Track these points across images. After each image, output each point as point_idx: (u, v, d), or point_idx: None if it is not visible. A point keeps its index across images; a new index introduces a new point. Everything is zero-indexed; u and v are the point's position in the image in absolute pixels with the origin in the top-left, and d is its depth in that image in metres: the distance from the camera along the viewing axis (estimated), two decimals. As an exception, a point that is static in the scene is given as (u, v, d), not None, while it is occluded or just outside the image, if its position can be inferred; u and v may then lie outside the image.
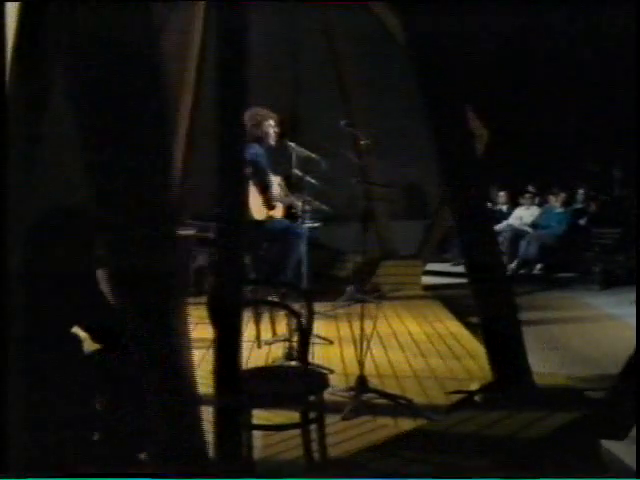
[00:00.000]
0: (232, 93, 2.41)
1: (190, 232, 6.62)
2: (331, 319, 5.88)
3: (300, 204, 5.18)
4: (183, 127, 7.57)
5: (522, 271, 10.08)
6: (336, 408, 3.55)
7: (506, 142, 10.60)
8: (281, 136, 5.30)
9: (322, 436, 2.81)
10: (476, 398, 3.40)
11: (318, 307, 5.91)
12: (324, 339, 5.12)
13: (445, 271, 9.89)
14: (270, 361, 4.56)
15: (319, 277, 6.69)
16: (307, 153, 5.12)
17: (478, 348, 4.91)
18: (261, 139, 5.28)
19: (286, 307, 2.51)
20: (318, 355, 4.72)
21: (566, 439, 2.95)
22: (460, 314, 6.35)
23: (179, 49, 7.46)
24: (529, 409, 3.15)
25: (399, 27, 6.96)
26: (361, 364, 3.85)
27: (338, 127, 4.32)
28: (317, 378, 2.85)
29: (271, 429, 2.89)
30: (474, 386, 3.66)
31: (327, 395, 3.81)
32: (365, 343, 3.89)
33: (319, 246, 7.36)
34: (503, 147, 10.56)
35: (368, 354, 3.97)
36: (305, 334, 2.52)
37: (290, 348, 4.43)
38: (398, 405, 3.70)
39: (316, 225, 5.74)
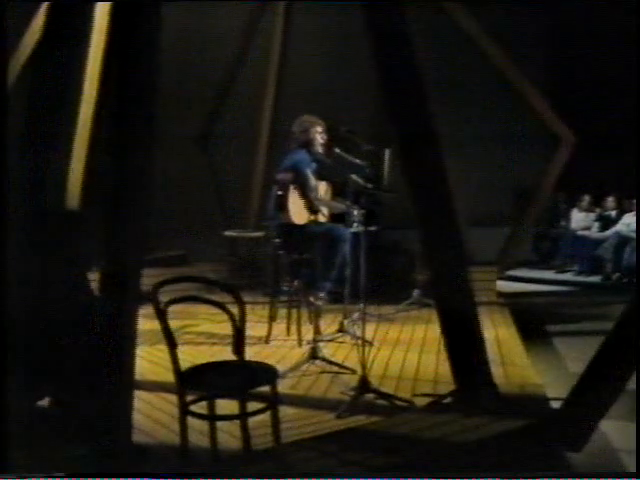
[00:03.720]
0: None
1: (259, 234, 6.94)
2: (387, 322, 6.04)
3: (345, 208, 5.33)
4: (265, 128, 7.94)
5: (625, 280, 9.65)
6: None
7: (616, 146, 10.17)
8: (329, 142, 5.48)
9: (276, 426, 3.01)
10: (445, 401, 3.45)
11: (378, 310, 6.14)
12: (365, 341, 5.24)
13: (536, 278, 9.71)
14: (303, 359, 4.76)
15: (385, 279, 6.83)
16: (352, 159, 5.27)
17: (514, 354, 4.89)
18: (308, 145, 5.50)
19: (219, 305, 2.70)
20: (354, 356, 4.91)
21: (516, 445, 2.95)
22: (524, 321, 6.28)
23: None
24: (487, 414, 3.15)
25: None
26: (363, 365, 4.01)
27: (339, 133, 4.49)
28: (256, 373, 3.01)
29: (210, 419, 3.08)
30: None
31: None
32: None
33: (395, 250, 7.50)
34: (615, 151, 10.16)
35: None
36: (239, 331, 2.70)
37: (314, 348, 4.64)
38: (397, 406, 3.82)
39: (372, 229, 5.86)
